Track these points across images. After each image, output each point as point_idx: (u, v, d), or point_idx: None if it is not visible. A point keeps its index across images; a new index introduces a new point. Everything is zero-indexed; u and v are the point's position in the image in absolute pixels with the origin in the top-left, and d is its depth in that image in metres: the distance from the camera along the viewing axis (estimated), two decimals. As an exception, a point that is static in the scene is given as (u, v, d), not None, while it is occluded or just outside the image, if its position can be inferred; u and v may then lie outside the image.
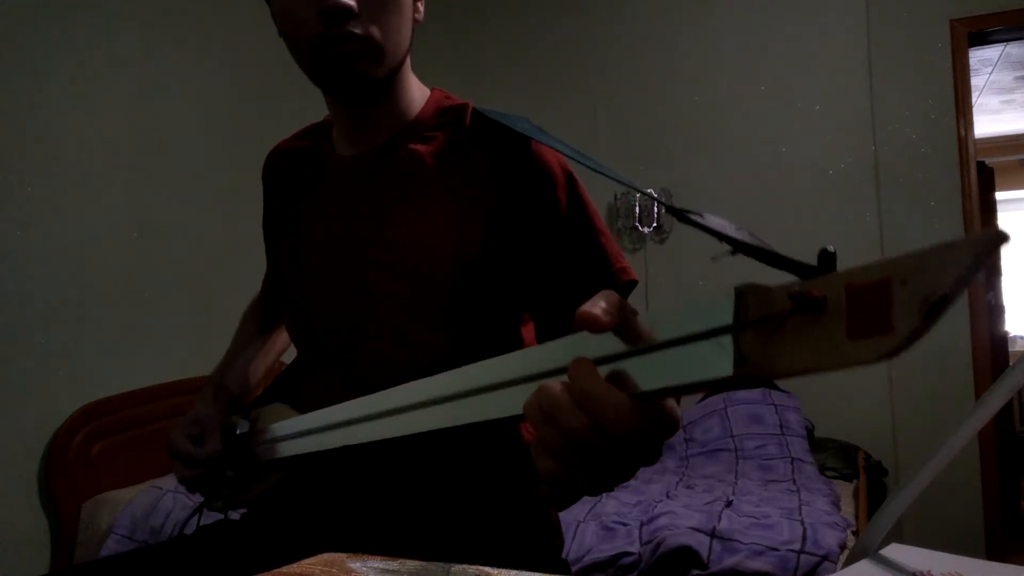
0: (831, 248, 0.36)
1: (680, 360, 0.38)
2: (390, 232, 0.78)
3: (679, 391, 0.38)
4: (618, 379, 0.40)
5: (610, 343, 0.42)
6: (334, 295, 0.80)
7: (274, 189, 0.94)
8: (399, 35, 0.76)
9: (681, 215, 0.48)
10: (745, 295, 0.35)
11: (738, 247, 0.43)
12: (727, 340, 0.35)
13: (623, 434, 0.39)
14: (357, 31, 0.72)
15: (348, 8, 0.70)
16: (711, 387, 0.36)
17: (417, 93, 0.84)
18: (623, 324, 0.41)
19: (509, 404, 0.49)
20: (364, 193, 0.81)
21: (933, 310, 0.28)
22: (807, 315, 0.32)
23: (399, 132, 0.82)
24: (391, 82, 0.79)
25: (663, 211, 3.08)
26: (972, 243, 0.27)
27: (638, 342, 0.40)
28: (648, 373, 0.40)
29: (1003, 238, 0.27)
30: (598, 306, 0.40)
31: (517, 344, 0.83)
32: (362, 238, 0.79)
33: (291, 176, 0.91)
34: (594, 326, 0.39)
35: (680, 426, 0.45)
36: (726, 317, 0.36)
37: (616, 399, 0.39)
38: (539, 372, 0.47)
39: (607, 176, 0.65)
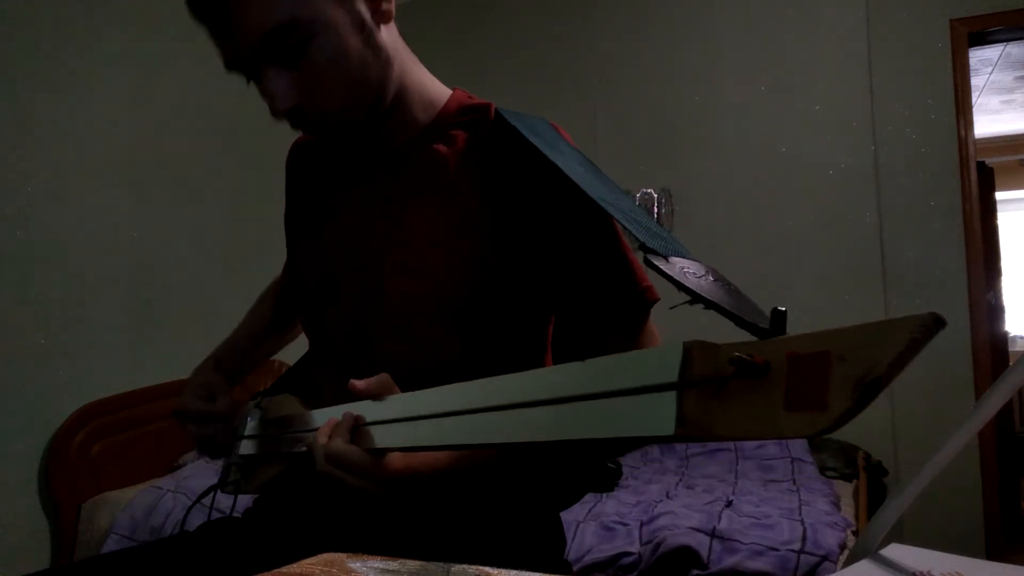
0: (782, 308, 0.36)
1: (622, 411, 0.37)
2: (408, 232, 0.77)
3: (618, 443, 0.38)
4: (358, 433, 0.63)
5: (567, 387, 0.41)
6: (350, 293, 0.80)
7: (296, 183, 0.93)
8: (360, 82, 0.72)
9: (646, 258, 0.48)
10: (691, 352, 0.35)
11: (696, 298, 0.43)
12: (670, 397, 0.35)
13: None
14: (313, 118, 0.72)
15: (294, 109, 0.71)
16: (649, 443, 0.37)
17: (433, 90, 0.82)
18: None
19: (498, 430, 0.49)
20: (384, 192, 0.80)
21: (866, 392, 0.28)
22: (749, 380, 0.32)
23: (420, 131, 0.80)
24: (383, 101, 0.76)
25: (662, 213, 3.08)
26: (909, 326, 0.27)
27: None
28: (588, 421, 0.39)
29: (940, 323, 0.27)
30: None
31: (539, 350, 0.82)
32: (380, 237, 0.79)
33: (313, 171, 0.90)
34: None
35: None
36: (672, 373, 0.35)
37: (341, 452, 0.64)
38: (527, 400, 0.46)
39: (600, 203, 0.64)
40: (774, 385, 0.31)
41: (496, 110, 0.79)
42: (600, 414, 0.39)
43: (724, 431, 0.32)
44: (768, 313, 0.41)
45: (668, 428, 0.34)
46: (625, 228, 0.63)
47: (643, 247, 0.49)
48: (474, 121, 0.80)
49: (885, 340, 0.28)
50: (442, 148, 0.79)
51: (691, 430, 0.33)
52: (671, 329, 0.69)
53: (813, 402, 0.29)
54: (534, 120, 0.76)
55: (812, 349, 0.30)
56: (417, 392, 0.59)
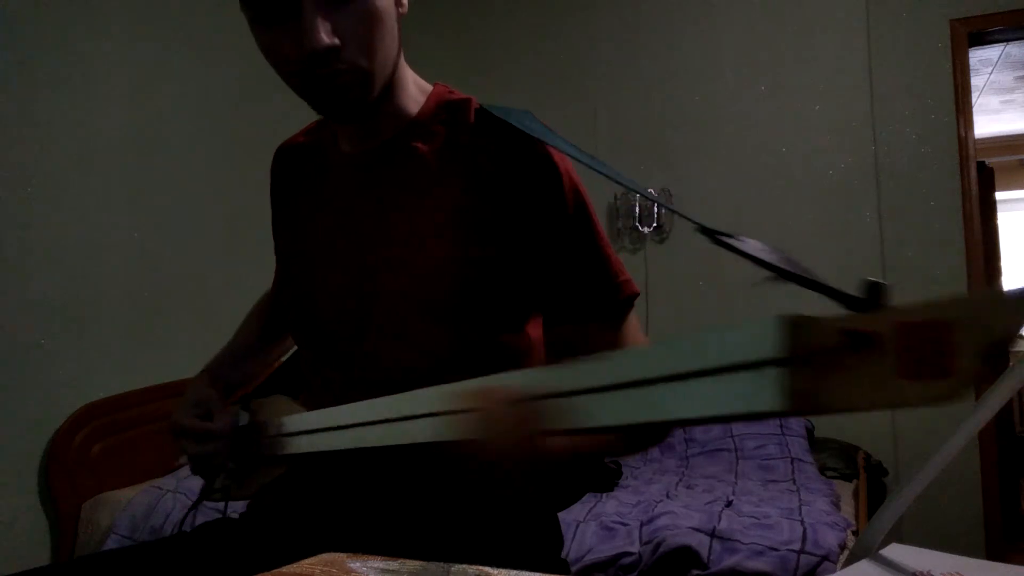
0: (883, 281, 0.36)
1: (719, 390, 0.37)
2: (393, 230, 0.77)
3: (716, 421, 0.38)
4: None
5: (630, 371, 0.42)
6: (337, 293, 0.80)
7: (281, 187, 0.93)
8: (386, 52, 0.73)
9: (715, 237, 0.47)
10: (795, 326, 0.34)
11: (781, 274, 0.42)
12: (774, 372, 0.34)
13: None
14: (344, 66, 0.70)
15: (332, 48, 0.68)
16: (755, 418, 0.36)
17: (416, 88, 0.83)
18: None
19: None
20: (367, 191, 0.80)
21: (990, 355, 0.29)
22: (859, 352, 0.33)
23: (402, 129, 0.81)
24: (389, 84, 0.77)
25: (663, 212, 3.08)
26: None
27: None
28: (681, 402, 0.39)
29: None
30: None
31: (524, 344, 0.82)
32: (365, 236, 0.79)
33: (297, 173, 0.90)
34: None
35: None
36: (773, 348, 0.35)
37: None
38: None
39: (611, 178, 0.65)
40: (886, 355, 0.32)
41: (477, 104, 0.80)
42: (701, 393, 0.38)
43: (836, 404, 0.33)
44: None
45: (777, 404, 0.34)
46: (620, 183, 0.63)
47: (704, 229, 0.48)
48: (455, 117, 0.80)
49: (1003, 308, 0.30)
50: (424, 144, 0.79)
51: (801, 404, 0.34)
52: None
53: (934, 369, 0.31)
54: (520, 113, 0.76)
55: (925, 318, 0.31)
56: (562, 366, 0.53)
